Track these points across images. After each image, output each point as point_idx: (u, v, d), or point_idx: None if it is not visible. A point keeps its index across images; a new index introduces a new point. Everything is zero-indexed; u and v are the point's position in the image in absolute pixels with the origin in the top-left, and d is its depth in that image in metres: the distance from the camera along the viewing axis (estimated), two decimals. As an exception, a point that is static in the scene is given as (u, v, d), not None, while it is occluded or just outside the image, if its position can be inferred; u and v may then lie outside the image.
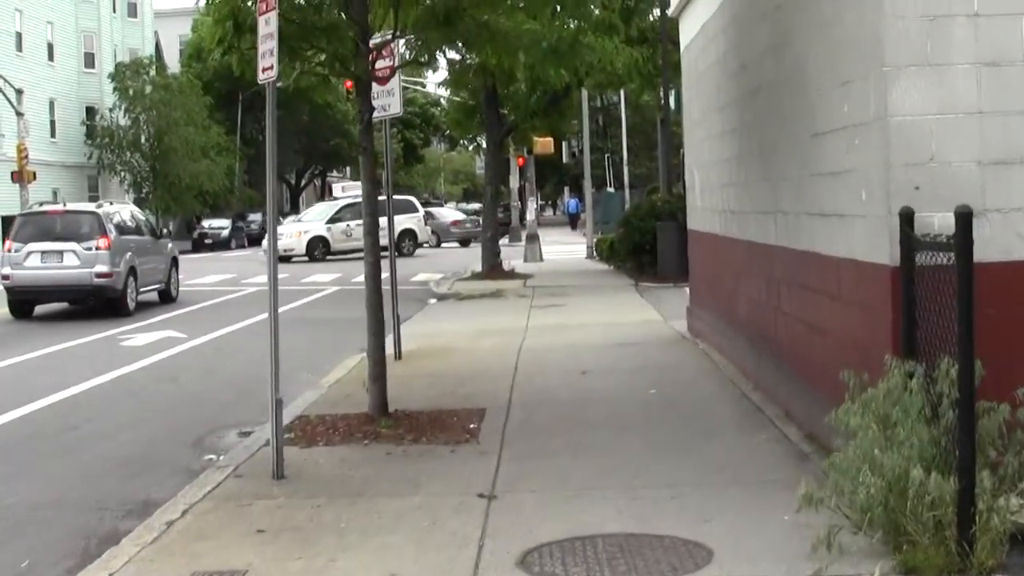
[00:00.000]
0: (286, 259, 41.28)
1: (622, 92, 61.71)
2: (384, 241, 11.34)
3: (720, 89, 13.32)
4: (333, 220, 46.07)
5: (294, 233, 45.32)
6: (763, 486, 7.88)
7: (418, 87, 73.12)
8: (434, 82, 49.54)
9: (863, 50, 7.49)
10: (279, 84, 8.96)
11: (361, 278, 24.40)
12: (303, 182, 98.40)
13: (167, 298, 26.95)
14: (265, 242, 44.50)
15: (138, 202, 66.94)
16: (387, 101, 14.55)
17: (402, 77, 46.79)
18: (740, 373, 12.30)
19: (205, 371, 15.75)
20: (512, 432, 10.02)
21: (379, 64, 14.47)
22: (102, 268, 23.39)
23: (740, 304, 12.44)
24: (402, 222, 44.75)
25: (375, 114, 14.69)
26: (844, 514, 6.30)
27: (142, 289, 25.20)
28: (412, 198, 53.70)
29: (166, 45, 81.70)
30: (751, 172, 11.51)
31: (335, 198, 53.15)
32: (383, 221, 28.34)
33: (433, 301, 25.82)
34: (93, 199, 66.31)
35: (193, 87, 68.78)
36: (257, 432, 11.01)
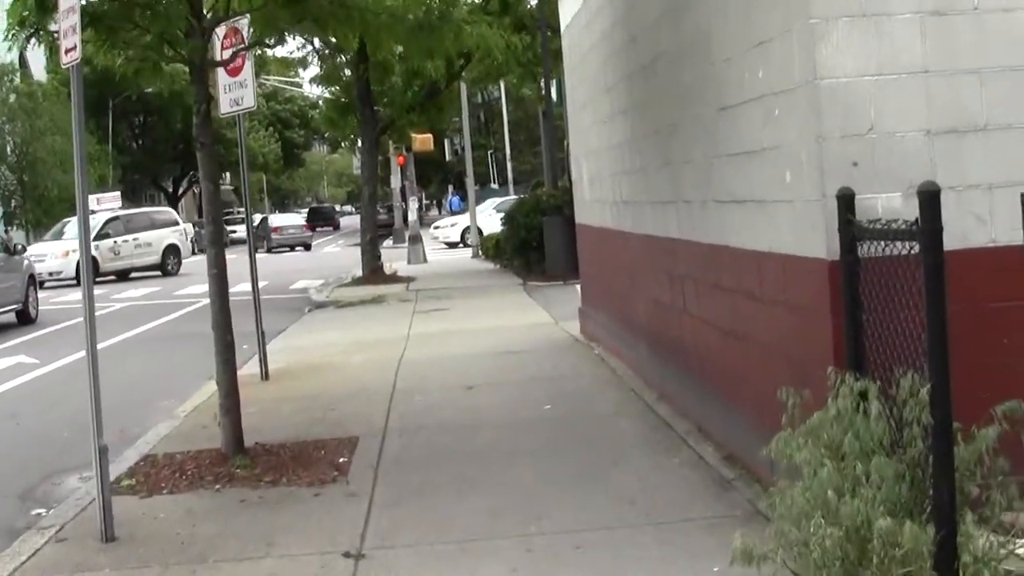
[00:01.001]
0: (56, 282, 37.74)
1: (502, 86, 60.72)
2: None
3: (607, 67, 12.10)
4: (99, 237, 39.86)
5: (59, 252, 38.48)
6: (684, 527, 6.62)
7: (296, 87, 71.41)
8: (308, 79, 47.56)
9: (784, 1, 6.26)
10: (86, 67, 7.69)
11: (239, 287, 22.91)
12: (180, 190, 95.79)
13: (25, 319, 25.09)
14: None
15: (7, 217, 64.40)
16: (239, 94, 13.09)
17: (278, 78, 44.88)
18: (642, 382, 11.08)
19: (53, 403, 14.15)
20: (387, 466, 8.66)
21: (227, 53, 13.13)
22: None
23: (638, 305, 11.22)
24: (165, 237, 43.01)
25: (227, 109, 13.28)
26: (792, 571, 5.06)
27: (-3, 310, 23.39)
28: (172, 210, 51.78)
29: (32, 51, 78.66)
30: (647, 157, 10.29)
31: (93, 212, 50.74)
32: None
33: (309, 310, 24.35)
34: (-47, 215, 63.89)
35: (59, 94, 66.15)
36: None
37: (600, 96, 12.75)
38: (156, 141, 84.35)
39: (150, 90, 74.86)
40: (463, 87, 38.06)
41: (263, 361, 13.60)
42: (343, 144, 42.93)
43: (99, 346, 19.41)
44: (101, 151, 71.01)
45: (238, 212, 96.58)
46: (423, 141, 37.83)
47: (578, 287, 23.39)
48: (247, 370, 14.26)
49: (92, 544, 7.33)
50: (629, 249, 11.47)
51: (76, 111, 7.41)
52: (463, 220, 49.90)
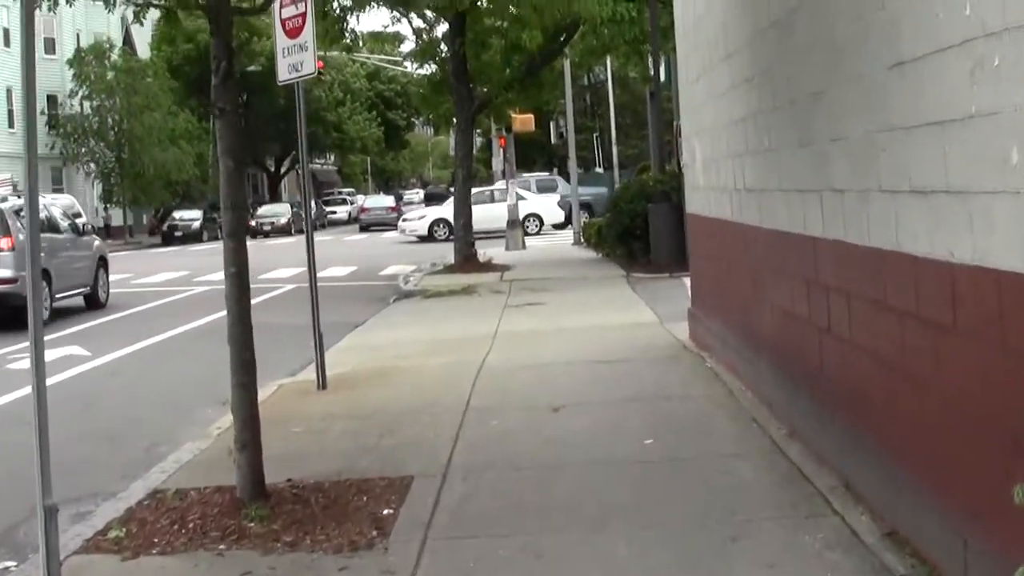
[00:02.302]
0: None
1: (609, 68, 58.67)
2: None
3: (728, 29, 10.06)
4: None
5: None
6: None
7: (398, 66, 69.83)
8: (403, 57, 45.70)
9: None
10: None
11: (337, 270, 20.98)
12: (283, 169, 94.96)
13: (94, 303, 23.66)
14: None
15: (105, 194, 63.62)
16: (299, 58, 11.28)
17: (380, 56, 43.37)
18: (767, 409, 9.05)
19: (83, 407, 12.47)
20: (441, 525, 6.74)
21: (287, 12, 11.33)
22: (4, 273, 20.10)
23: (763, 315, 9.19)
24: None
25: (285, 76, 11.49)
26: None
27: (60, 295, 21.88)
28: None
29: (137, 29, 78.08)
30: (778, 135, 8.26)
31: None
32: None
33: (395, 300, 22.59)
34: (57, 191, 63.17)
35: (158, 70, 65.35)
36: (101, 510, 7.81)
37: (717, 65, 10.73)
38: (257, 119, 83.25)
39: (252, 68, 74.06)
40: (567, 66, 36.09)
41: (320, 367, 11.75)
42: (431, 122, 40.67)
43: (160, 337, 17.94)
44: (200, 129, 70.13)
45: (338, 193, 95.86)
46: (523, 121, 35.85)
47: (686, 282, 21.27)
48: (305, 375, 12.46)
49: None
50: (753, 247, 9.44)
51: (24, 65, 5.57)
52: (432, 212, 47.98)
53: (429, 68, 31.04)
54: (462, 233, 27.56)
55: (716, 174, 11.15)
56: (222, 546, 6.57)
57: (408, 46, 31.17)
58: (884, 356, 6.00)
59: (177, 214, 64.37)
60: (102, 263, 24.21)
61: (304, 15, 11.16)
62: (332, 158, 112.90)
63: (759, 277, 9.26)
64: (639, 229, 25.09)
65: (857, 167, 6.25)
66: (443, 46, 28.75)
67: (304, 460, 8.54)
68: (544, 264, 28.21)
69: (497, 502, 7.11)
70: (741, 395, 9.79)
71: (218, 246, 32.94)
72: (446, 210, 46.99)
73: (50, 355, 16.64)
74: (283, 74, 11.47)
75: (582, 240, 34.26)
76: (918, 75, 5.18)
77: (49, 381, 14.27)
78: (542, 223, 44.61)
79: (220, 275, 27.06)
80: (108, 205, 64.29)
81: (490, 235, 43.18)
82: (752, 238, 9.40)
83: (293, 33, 11.28)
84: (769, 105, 8.51)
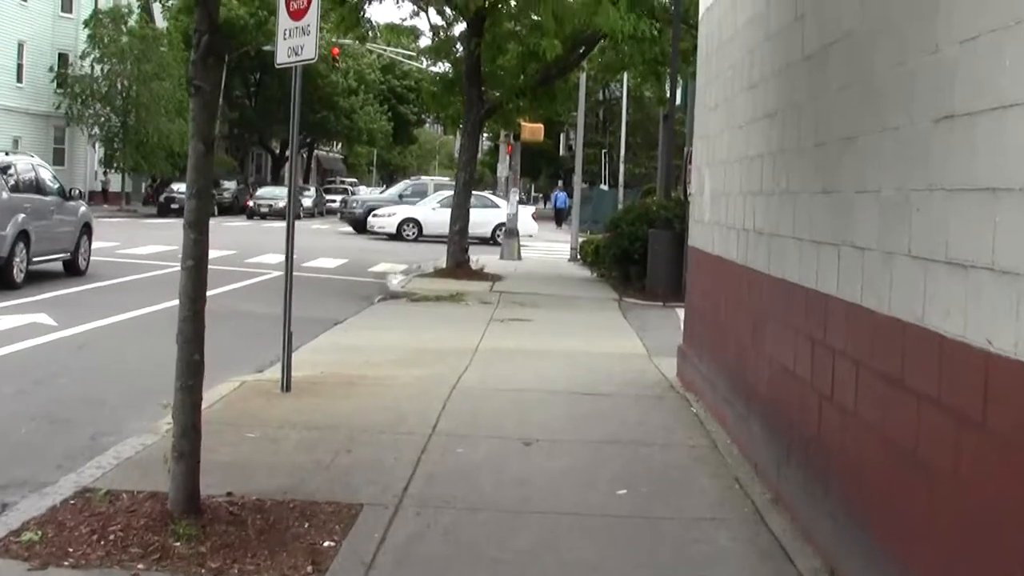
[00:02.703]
0: None
1: (625, 85, 58.10)
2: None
3: (754, 58, 9.45)
4: None
5: None
6: None
7: (412, 61, 69.13)
8: (417, 52, 45.07)
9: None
10: None
11: (326, 262, 20.21)
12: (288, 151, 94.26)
13: (73, 270, 23.04)
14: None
15: (107, 159, 62.86)
16: (300, 42, 10.65)
17: (395, 50, 42.71)
18: (751, 468, 8.43)
19: (34, 382, 11.81)
20: (383, 569, 6.08)
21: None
22: (-24, 229, 19.48)
23: (759, 368, 8.56)
24: None
25: (284, 59, 10.85)
26: None
27: (39, 258, 21.26)
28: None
29: (157, -1, 77.40)
30: (798, 178, 7.64)
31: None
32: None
33: (379, 300, 21.94)
34: (58, 152, 62.50)
35: (173, 40, 64.62)
36: (22, 506, 7.16)
37: (739, 95, 10.12)
38: (268, 100, 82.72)
39: (269, 48, 73.42)
40: (582, 79, 35.48)
41: (286, 368, 11.10)
42: (440, 121, 39.92)
43: (135, 312, 17.25)
44: (210, 103, 69.43)
45: (340, 182, 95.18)
46: (533, 131, 35.22)
47: (679, 313, 20.68)
48: (272, 373, 11.81)
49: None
50: (756, 293, 8.82)
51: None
52: (401, 211, 47.33)
53: (443, 66, 30.41)
54: (457, 238, 26.92)
55: (724, 210, 10.53)
56: (140, 565, 5.92)
57: (425, 42, 30.39)
58: (893, 438, 5.37)
59: (176, 186, 63.57)
60: (86, 230, 23.58)
61: (309, -4, 10.54)
62: (339, 146, 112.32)
63: (759, 327, 8.63)
64: (637, 253, 24.54)
65: (885, 225, 5.63)
66: (459, 45, 28.13)
67: (251, 472, 7.89)
68: (537, 278, 27.58)
69: (448, 547, 6.46)
70: (726, 449, 9.15)
71: (214, 223, 32.08)
72: (416, 210, 46.45)
73: (13, 321, 16.06)
74: (281, 57, 10.84)
75: (578, 257, 33.64)
76: (970, 132, 4.55)
77: (6, 350, 13.77)
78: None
79: (211, 253, 26.11)
80: (108, 170, 63.55)
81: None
82: (756, 283, 8.78)
83: (297, 15, 10.66)
84: (792, 144, 7.89)
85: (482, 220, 43.74)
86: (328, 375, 12.20)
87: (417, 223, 45.39)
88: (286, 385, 10.98)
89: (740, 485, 8.07)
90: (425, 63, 34.25)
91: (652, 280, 23.75)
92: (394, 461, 8.34)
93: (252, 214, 63.76)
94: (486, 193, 55.68)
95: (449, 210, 43.72)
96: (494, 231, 43.83)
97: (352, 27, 28.17)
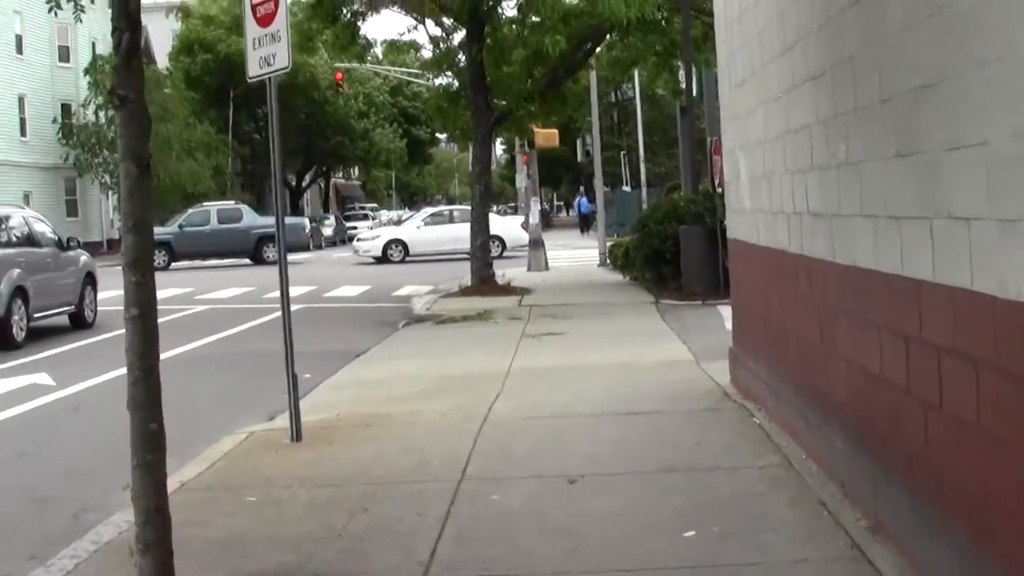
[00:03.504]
0: None
1: (636, 82, 56.93)
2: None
3: (787, 17, 8.23)
4: None
5: None
6: None
7: (422, 81, 68.02)
8: (417, 66, 43.74)
9: None
10: None
11: (349, 290, 19.25)
12: (304, 183, 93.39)
13: (80, 322, 21.95)
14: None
15: (120, 206, 61.87)
16: (271, 50, 9.49)
17: (402, 69, 41.52)
18: (838, 490, 7.17)
19: (20, 453, 10.68)
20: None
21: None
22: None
23: (835, 372, 7.32)
24: None
25: (256, 71, 9.70)
26: None
27: (40, 313, 20.19)
28: None
29: (158, 41, 76.54)
30: (861, 144, 6.41)
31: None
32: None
33: (403, 325, 20.78)
34: (71, 203, 61.67)
35: (174, 80, 63.82)
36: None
37: (771, 63, 8.91)
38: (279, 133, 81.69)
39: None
40: (593, 80, 34.29)
41: (294, 415, 9.92)
42: (449, 136, 38.76)
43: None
44: (219, 140, 68.62)
45: (360, 208, 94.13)
46: (547, 136, 34.09)
47: (721, 311, 19.53)
48: (283, 422, 10.63)
49: None
50: (820, 285, 7.60)
51: None
52: (386, 232, 46.37)
53: (447, 79, 29.25)
54: (479, 253, 25.72)
55: (768, 194, 9.30)
56: None
57: (427, 55, 29.21)
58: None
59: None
60: (89, 280, 22.48)
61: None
62: (356, 172, 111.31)
63: (828, 324, 7.40)
64: (669, 252, 23.30)
65: (999, 185, 4.41)
66: (461, 56, 26.95)
67: (249, 548, 6.71)
68: (566, 288, 26.39)
69: (486, 632, 5.26)
70: (803, 467, 7.91)
71: (234, 261, 30.88)
72: (401, 231, 45.62)
73: (10, 384, 14.98)
74: (253, 69, 9.69)
75: (607, 261, 32.43)
76: None
77: (2, 415, 12.68)
78: (504, 246, 42.57)
79: (224, 293, 25.18)
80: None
81: (449, 256, 41.72)
82: (819, 274, 7.56)
83: (264, 20, 9.51)
84: (847, 105, 6.66)
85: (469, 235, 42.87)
86: (345, 416, 11.02)
87: (403, 244, 44.39)
88: (296, 434, 9.80)
89: (828, 511, 6.83)
90: (429, 78, 32.91)
91: (688, 278, 22.52)
92: (418, 518, 7.14)
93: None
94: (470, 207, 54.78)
95: (435, 228, 43.74)
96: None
97: (348, 45, 27.09)
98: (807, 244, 7.89)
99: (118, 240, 45.63)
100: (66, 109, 60.59)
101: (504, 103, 26.26)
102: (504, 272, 26.97)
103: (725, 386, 11.58)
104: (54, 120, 59.27)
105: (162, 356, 15.30)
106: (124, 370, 15.05)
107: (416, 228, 45.08)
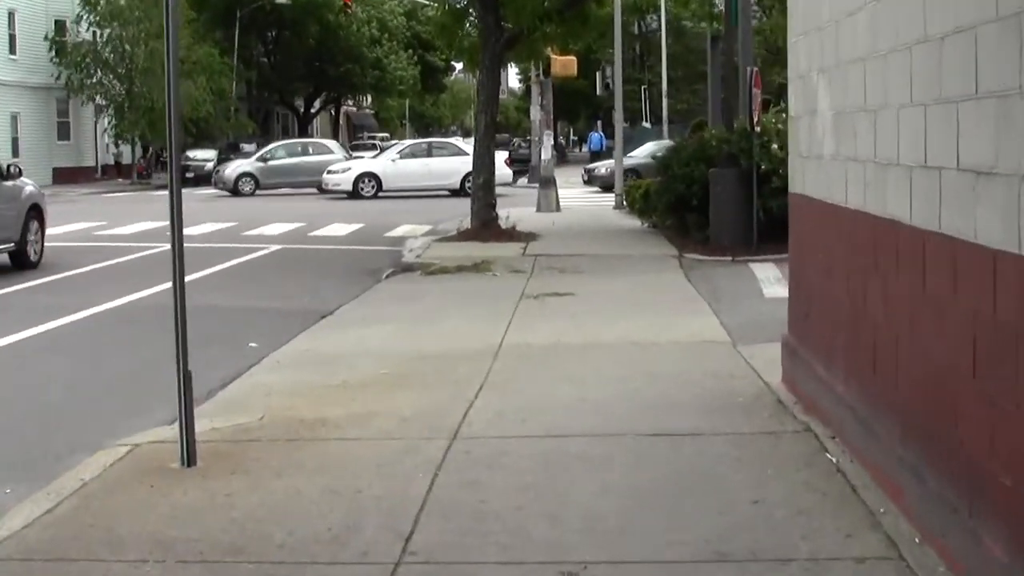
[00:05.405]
0: None
1: (663, 9, 53.86)
2: None
3: None
4: None
5: None
6: None
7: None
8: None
9: None
10: None
11: (339, 228, 16.82)
12: (313, 110, 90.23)
13: (22, 262, 19.13)
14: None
15: (114, 129, 58.74)
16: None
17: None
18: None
19: None
20: None
21: None
22: None
23: (999, 433, 4.47)
24: None
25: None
26: None
27: (-32, 252, 17.43)
28: None
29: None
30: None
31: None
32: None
33: (387, 276, 17.96)
34: (63, 126, 58.67)
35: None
36: None
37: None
38: (287, 57, 78.62)
39: (282, 1, 69.18)
40: (617, 5, 31.22)
41: (185, 430, 7.06)
42: (452, 56, 35.67)
43: (81, 314, 12.70)
44: (223, 64, 65.46)
45: (369, 137, 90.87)
46: (565, 64, 30.92)
47: (755, 272, 16.70)
48: (170, 433, 7.73)
49: None
50: (975, 286, 4.73)
51: None
52: (358, 165, 43.34)
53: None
54: (481, 193, 22.76)
55: (870, 136, 6.39)
56: None
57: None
58: None
59: (190, 153, 59.62)
60: (34, 213, 19.58)
61: None
62: (369, 100, 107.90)
63: (996, 353, 4.54)
64: (696, 198, 20.39)
65: None
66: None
67: None
68: (578, 234, 23.48)
69: None
70: (920, 560, 5.09)
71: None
72: (374, 164, 42.56)
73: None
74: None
75: (624, 204, 29.53)
76: None
77: None
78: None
79: (203, 228, 21.76)
80: (119, 141, 59.55)
81: (426, 192, 40.07)
82: (980, 267, 4.69)
83: None
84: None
85: (449, 169, 40.51)
86: (272, 420, 8.20)
87: (375, 178, 41.14)
88: (188, 457, 6.97)
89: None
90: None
91: (716, 230, 19.66)
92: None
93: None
94: (452, 139, 52.88)
95: (411, 162, 40.89)
96: (463, 181, 40.01)
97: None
98: (952, 217, 5.01)
99: (113, 165, 43.06)
100: (59, 26, 57.43)
101: (517, 23, 23.18)
102: (509, 213, 24.04)
103: (776, 388, 8.77)
104: (45, 37, 56.13)
105: (115, 303, 11.60)
106: (58, 321, 12.05)
107: (391, 161, 41.86)
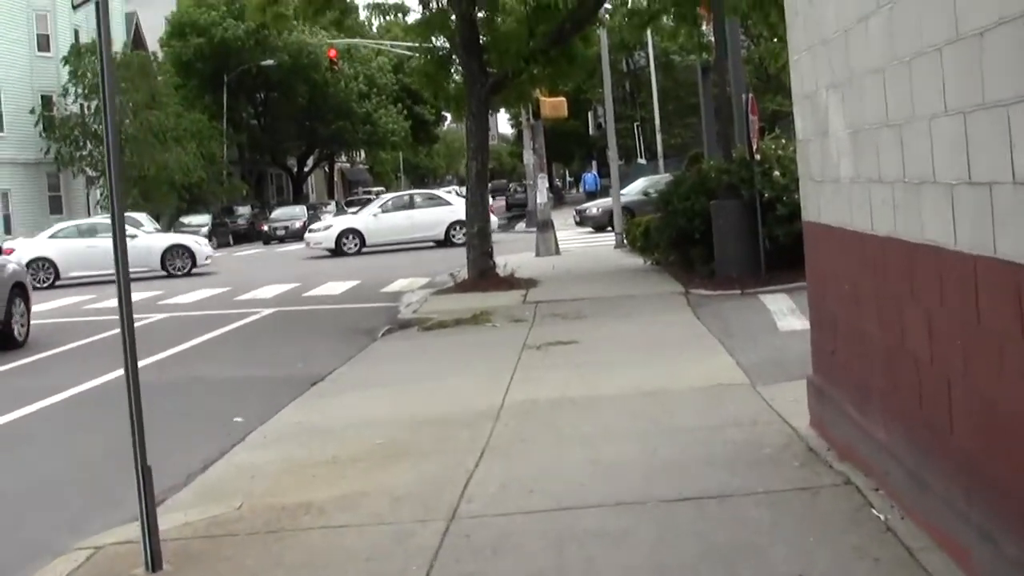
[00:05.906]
0: None
1: (650, 46, 53.32)
2: None
3: None
4: None
5: None
6: None
7: (412, 51, 64.33)
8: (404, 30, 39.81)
9: None
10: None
11: (334, 287, 16.16)
12: (306, 168, 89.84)
13: (7, 341, 18.44)
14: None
15: (105, 200, 58.21)
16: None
17: (403, 43, 37.37)
18: None
19: None
20: None
21: None
22: None
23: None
24: None
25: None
26: None
27: (-50, 334, 16.71)
28: None
29: (150, 28, 72.99)
30: None
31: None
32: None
33: (383, 334, 17.24)
34: (55, 200, 58.16)
35: (160, 65, 60.25)
36: None
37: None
38: (277, 118, 78.40)
39: (270, 62, 68.81)
40: (604, 40, 30.62)
41: (147, 531, 6.28)
42: (440, 105, 35.01)
43: (62, 396, 11.20)
44: (213, 128, 65.10)
45: (363, 192, 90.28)
46: (554, 106, 30.25)
47: (766, 304, 15.97)
48: (136, 532, 6.93)
49: None
50: (1010, 302, 4.00)
51: None
52: (340, 222, 42.55)
53: (438, 42, 25.45)
54: (476, 242, 22.04)
55: (896, 154, 5.67)
56: None
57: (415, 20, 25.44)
58: None
59: (184, 219, 59.19)
60: (18, 291, 18.94)
61: None
62: (362, 155, 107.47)
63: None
64: (698, 232, 19.72)
65: None
66: (453, 17, 23.20)
67: None
68: (579, 277, 22.77)
69: None
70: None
71: (221, 255, 27.03)
72: (356, 220, 41.83)
73: None
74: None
75: (624, 242, 28.85)
76: None
77: None
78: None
79: (192, 296, 21.06)
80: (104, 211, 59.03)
81: (411, 245, 39.51)
82: (999, 286, 3.95)
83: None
84: None
85: (433, 220, 40.12)
86: (252, 508, 7.44)
87: (358, 234, 40.39)
88: (151, 561, 6.21)
89: None
90: (420, 44, 29.06)
91: (722, 263, 18.97)
92: None
93: (268, 239, 59.48)
94: (436, 190, 52.92)
95: (393, 215, 40.07)
96: (448, 231, 39.54)
97: (320, 10, 23.44)
98: (1008, 239, 4.28)
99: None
100: (46, 101, 57.05)
101: (501, 67, 22.55)
102: (507, 261, 23.32)
103: (805, 434, 8.01)
104: (32, 111, 55.69)
105: (98, 381, 11.18)
106: (39, 404, 11.30)
107: (372, 216, 41.07)
